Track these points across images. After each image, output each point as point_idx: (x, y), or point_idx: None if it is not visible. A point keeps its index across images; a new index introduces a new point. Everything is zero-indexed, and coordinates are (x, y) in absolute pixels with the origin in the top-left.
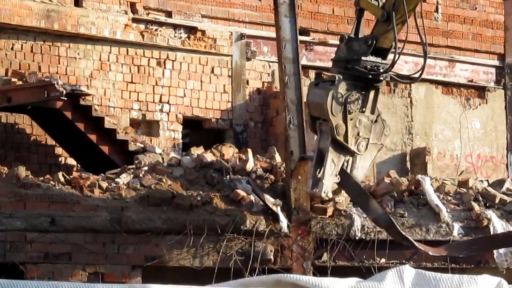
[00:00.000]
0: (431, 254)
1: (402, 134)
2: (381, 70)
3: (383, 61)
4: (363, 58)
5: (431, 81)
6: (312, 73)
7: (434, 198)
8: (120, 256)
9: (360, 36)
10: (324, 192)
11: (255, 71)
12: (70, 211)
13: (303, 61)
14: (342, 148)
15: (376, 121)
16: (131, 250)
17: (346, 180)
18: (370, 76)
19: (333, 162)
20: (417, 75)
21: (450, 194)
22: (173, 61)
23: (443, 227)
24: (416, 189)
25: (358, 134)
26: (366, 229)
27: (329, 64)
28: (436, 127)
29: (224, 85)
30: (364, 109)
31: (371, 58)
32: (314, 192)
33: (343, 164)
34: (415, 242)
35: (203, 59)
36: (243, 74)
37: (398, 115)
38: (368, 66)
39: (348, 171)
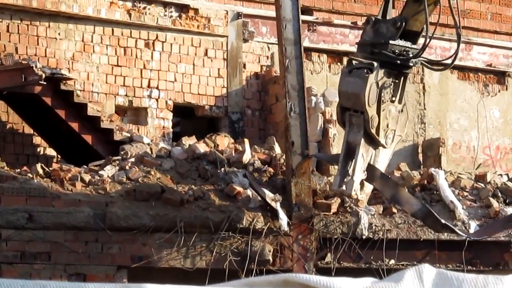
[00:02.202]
0: (473, 239)
1: (414, 123)
2: (411, 55)
3: (413, 46)
4: (391, 41)
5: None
6: (315, 56)
7: (448, 193)
8: (104, 256)
9: (388, 18)
10: (354, 191)
11: (253, 53)
12: (50, 206)
13: (306, 43)
14: (371, 141)
15: (402, 111)
16: (116, 249)
17: (373, 173)
18: (399, 62)
19: (362, 157)
20: (449, 61)
21: (466, 190)
22: (162, 42)
23: (458, 226)
24: (429, 183)
25: (387, 126)
26: (374, 227)
27: (334, 47)
28: (451, 115)
29: (218, 69)
30: (394, 98)
31: (400, 42)
32: (343, 191)
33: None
34: (456, 229)
35: (195, 40)
36: (239, 57)
37: (410, 102)
38: (397, 51)
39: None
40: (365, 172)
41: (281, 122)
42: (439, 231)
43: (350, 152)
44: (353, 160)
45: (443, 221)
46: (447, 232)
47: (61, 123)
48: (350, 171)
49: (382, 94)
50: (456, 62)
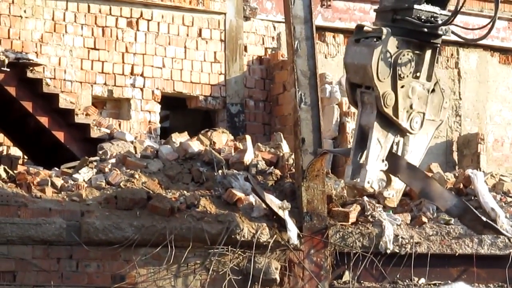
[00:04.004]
0: None
1: (448, 116)
2: (440, 22)
3: (442, 11)
4: (416, 6)
5: (485, 47)
6: (329, 36)
7: (488, 199)
8: (80, 276)
9: None
10: (368, 183)
11: (256, 34)
12: (14, 216)
13: (318, 21)
14: (390, 125)
15: (433, 90)
16: (93, 267)
17: (396, 164)
18: (426, 30)
19: (379, 143)
20: (485, 31)
21: (510, 195)
22: (148, 21)
23: (500, 238)
24: (466, 187)
25: (411, 106)
26: (400, 239)
27: (352, 25)
28: (492, 106)
29: (215, 53)
30: (418, 74)
31: (427, 7)
32: (355, 183)
33: (392, 147)
34: (502, 230)
35: (187, 18)
36: (240, 38)
37: None
38: (423, 17)
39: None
40: (386, 162)
41: (290, 116)
42: (480, 232)
43: (364, 137)
44: (366, 147)
45: (484, 218)
46: (490, 233)
47: (27, 117)
48: (363, 159)
49: (399, 68)
50: (498, 43)
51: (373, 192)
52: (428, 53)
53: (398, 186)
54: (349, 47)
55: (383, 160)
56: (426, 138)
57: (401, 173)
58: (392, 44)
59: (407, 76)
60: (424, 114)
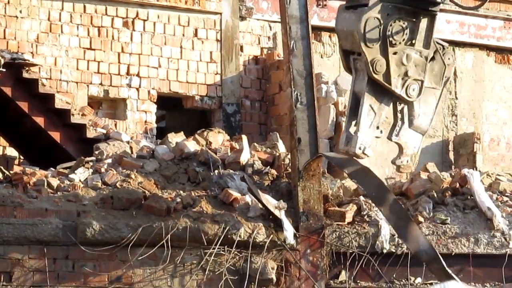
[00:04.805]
0: None
1: (444, 115)
2: None
3: None
4: None
5: (481, 47)
6: (325, 36)
7: (485, 199)
8: (76, 276)
9: None
10: (360, 148)
11: (252, 33)
12: (11, 217)
13: (314, 21)
14: (383, 92)
15: (433, 58)
16: (90, 267)
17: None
18: None
19: (372, 110)
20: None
21: (507, 194)
22: (144, 21)
23: (497, 237)
24: (462, 187)
25: (406, 73)
26: (396, 239)
27: None
28: (488, 106)
29: (211, 52)
30: (413, 41)
31: None
32: (348, 149)
33: (396, 114)
34: (463, 285)
35: (183, 18)
36: (235, 38)
37: None
38: None
39: (406, 122)
40: (381, 129)
41: (286, 115)
42: (442, 281)
43: (357, 104)
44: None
45: (449, 271)
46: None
47: (23, 117)
48: (355, 126)
49: (391, 35)
50: (494, 43)
51: (366, 157)
52: (425, 21)
53: (410, 151)
54: (340, 13)
55: (378, 127)
56: (433, 101)
57: (384, 207)
58: (382, 10)
59: (400, 43)
60: (422, 81)
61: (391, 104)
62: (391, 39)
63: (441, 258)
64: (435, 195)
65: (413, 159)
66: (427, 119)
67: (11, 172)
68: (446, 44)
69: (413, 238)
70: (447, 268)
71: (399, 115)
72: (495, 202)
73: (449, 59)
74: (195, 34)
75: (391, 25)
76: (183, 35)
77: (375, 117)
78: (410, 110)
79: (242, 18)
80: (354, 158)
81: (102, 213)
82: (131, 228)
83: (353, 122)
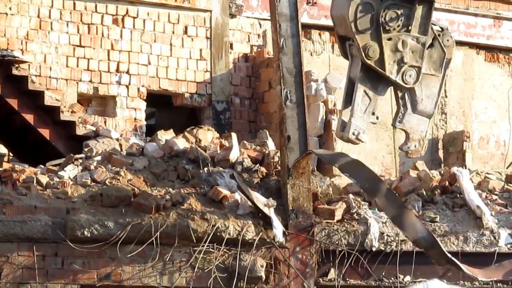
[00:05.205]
0: (481, 279)
1: (434, 114)
2: None
3: None
4: None
5: (471, 45)
6: (315, 34)
7: (474, 197)
8: (65, 273)
9: None
10: (354, 134)
11: (242, 31)
12: (0, 214)
13: (304, 19)
14: (379, 78)
15: (432, 45)
16: (79, 264)
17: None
18: None
19: (366, 96)
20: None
21: (496, 192)
22: (134, 18)
23: (486, 235)
24: (451, 185)
25: (402, 60)
26: (385, 237)
27: None
28: (477, 104)
29: (201, 50)
30: (409, 28)
31: None
32: (343, 135)
33: (398, 101)
34: (462, 266)
35: (173, 15)
36: (225, 36)
37: None
38: None
39: (409, 108)
40: (377, 115)
41: (275, 113)
42: (442, 265)
43: (353, 90)
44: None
45: (449, 255)
46: (452, 268)
47: (13, 114)
48: (349, 111)
49: (384, 21)
50: (484, 41)
51: (360, 142)
52: (422, 8)
53: (417, 136)
54: None
55: (373, 113)
56: (435, 84)
57: (379, 198)
58: None
59: (394, 29)
60: (419, 68)
61: (390, 90)
62: (384, 24)
63: (440, 243)
64: (424, 193)
65: (421, 143)
66: (431, 103)
67: (0, 169)
68: (445, 26)
69: (410, 226)
70: (446, 253)
71: (401, 101)
72: (484, 200)
73: (448, 40)
74: (185, 32)
75: (384, 11)
76: (173, 32)
77: (370, 103)
78: (413, 95)
79: (232, 16)
80: (344, 152)
81: (92, 210)
82: (120, 225)
83: (349, 108)
